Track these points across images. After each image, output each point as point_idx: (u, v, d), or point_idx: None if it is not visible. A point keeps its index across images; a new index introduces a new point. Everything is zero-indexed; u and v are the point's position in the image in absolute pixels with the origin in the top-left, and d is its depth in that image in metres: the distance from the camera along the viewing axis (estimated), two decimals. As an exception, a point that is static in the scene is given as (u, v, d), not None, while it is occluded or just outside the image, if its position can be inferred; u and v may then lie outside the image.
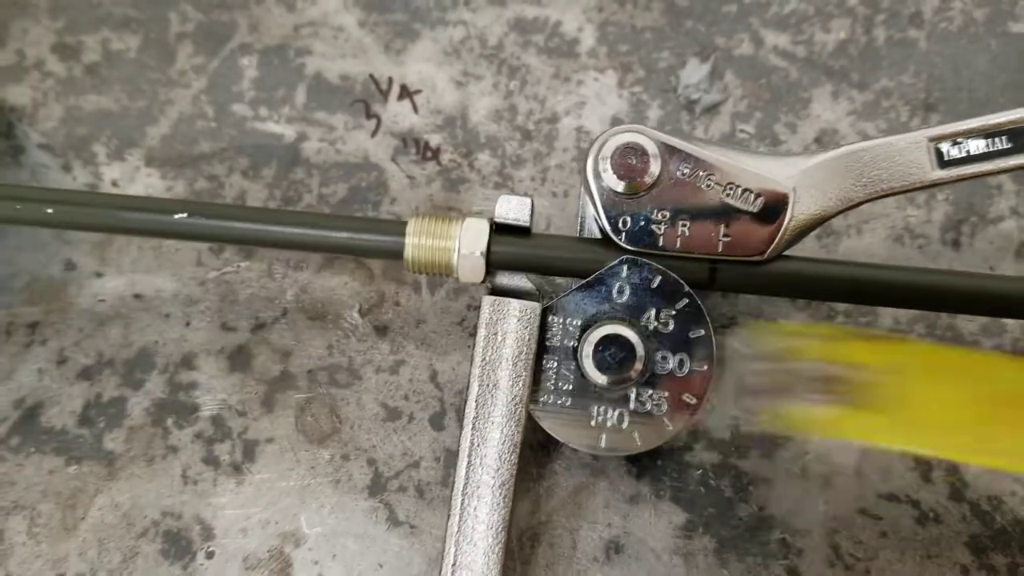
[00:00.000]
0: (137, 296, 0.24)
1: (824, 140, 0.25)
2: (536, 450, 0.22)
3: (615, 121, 0.25)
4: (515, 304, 0.20)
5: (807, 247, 0.23)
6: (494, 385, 0.20)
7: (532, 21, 0.26)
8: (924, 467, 0.21)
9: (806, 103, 0.25)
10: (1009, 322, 0.23)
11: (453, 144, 0.25)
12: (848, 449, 0.22)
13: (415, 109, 0.25)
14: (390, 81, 0.26)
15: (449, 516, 0.19)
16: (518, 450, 0.20)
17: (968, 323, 0.23)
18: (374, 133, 0.25)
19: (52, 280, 0.24)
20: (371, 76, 0.26)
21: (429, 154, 0.25)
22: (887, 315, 0.23)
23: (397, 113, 0.25)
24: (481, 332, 0.20)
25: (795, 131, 0.25)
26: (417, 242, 0.20)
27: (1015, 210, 0.24)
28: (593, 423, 0.20)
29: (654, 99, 0.26)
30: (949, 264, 0.23)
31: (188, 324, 0.23)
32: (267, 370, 0.23)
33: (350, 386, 0.23)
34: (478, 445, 0.20)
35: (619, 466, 0.22)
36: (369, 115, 0.25)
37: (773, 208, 0.20)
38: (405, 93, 0.26)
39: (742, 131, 0.25)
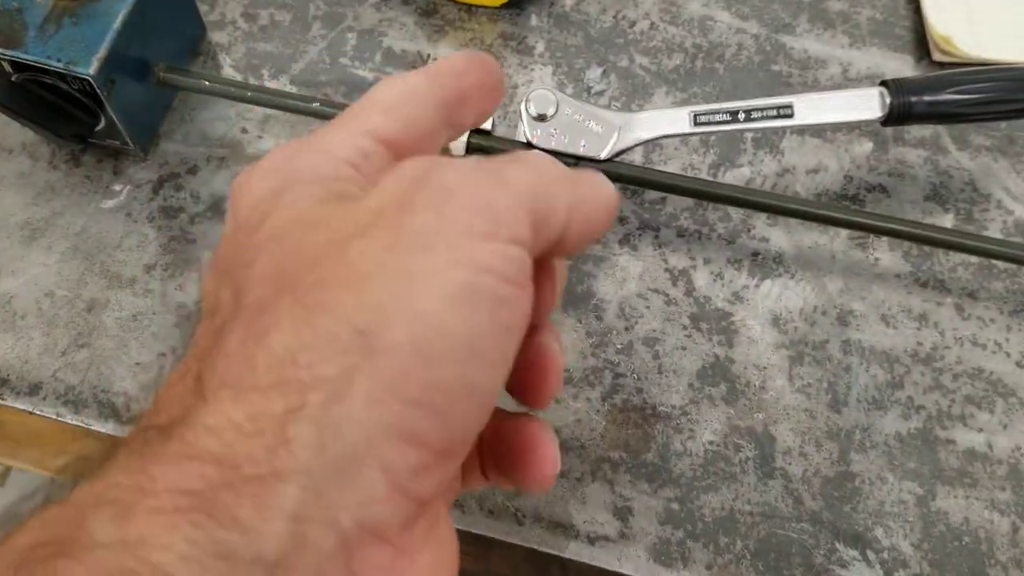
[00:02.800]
0: (279, 150, 0.44)
1: (656, 115, 0.46)
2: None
3: (547, 92, 0.46)
4: (477, 165, 0.41)
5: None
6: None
7: (510, 35, 0.47)
8: (675, 276, 0.42)
9: (651, 96, 0.46)
10: (732, 210, 0.44)
11: (457, 93, 0.46)
12: (636, 265, 0.42)
13: (439, 72, 0.46)
14: (428, 56, 0.47)
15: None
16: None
17: (713, 212, 0.44)
18: (415, 82, 0.46)
19: (233, 137, 0.45)
20: (418, 52, 0.47)
21: (443, 97, 0.46)
22: (671, 202, 0.44)
23: (429, 73, 0.46)
24: (458, 175, 0.41)
25: (642, 109, 0.46)
26: (433, 131, 0.41)
27: (750, 161, 0.45)
28: (508, 230, 0.41)
29: (570, 84, 0.46)
30: (709, 185, 0.44)
31: (306, 167, 0.44)
32: (345, 194, 0.44)
33: (388, 207, 0.43)
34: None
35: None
36: (413, 72, 0.46)
37: (608, 134, 0.41)
38: (434, 63, 0.47)
39: (614, 106, 0.46)
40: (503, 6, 0.48)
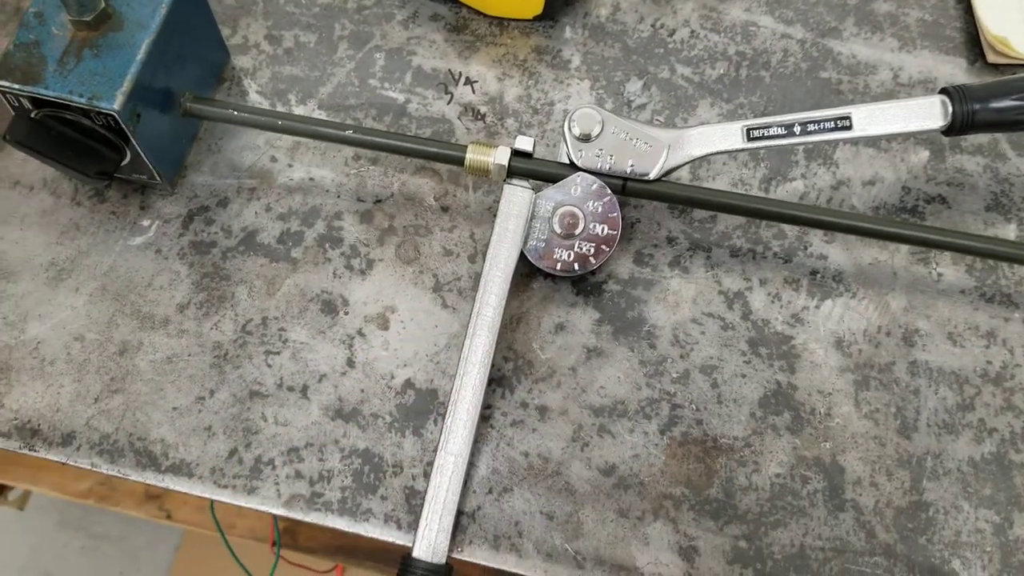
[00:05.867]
0: (311, 179, 0.43)
1: (702, 129, 0.44)
2: (525, 275, 0.41)
3: (586, 108, 0.44)
4: (519, 190, 0.39)
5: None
6: (504, 233, 0.39)
7: (545, 48, 0.45)
8: (730, 298, 0.40)
9: (694, 108, 0.44)
10: (787, 227, 0.42)
11: (494, 113, 0.44)
12: (689, 287, 0.40)
13: (473, 91, 0.44)
14: (460, 74, 0.45)
15: (473, 305, 0.38)
16: (512, 271, 0.38)
17: (767, 230, 0.42)
18: (449, 103, 0.44)
19: (263, 166, 0.43)
20: (449, 70, 0.45)
21: (479, 117, 0.44)
22: (722, 220, 0.42)
23: (463, 93, 0.45)
24: (501, 204, 0.39)
25: (686, 123, 0.44)
26: (472, 155, 0.39)
27: (803, 174, 0.43)
28: (555, 257, 0.39)
29: (609, 98, 0.45)
30: (761, 201, 0.42)
31: (339, 196, 0.42)
32: (381, 224, 0.42)
33: (427, 236, 0.42)
34: (491, 268, 0.39)
35: (567, 285, 0.41)
36: (447, 92, 0.44)
37: (657, 153, 0.39)
38: (468, 82, 0.45)
39: (657, 120, 0.44)
40: (536, 18, 0.46)
